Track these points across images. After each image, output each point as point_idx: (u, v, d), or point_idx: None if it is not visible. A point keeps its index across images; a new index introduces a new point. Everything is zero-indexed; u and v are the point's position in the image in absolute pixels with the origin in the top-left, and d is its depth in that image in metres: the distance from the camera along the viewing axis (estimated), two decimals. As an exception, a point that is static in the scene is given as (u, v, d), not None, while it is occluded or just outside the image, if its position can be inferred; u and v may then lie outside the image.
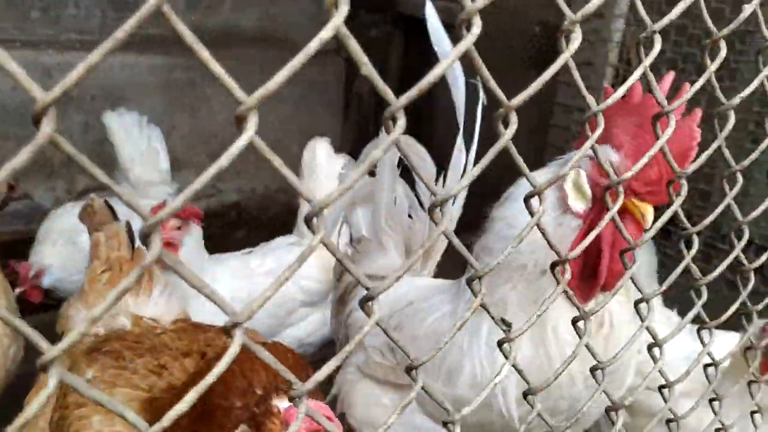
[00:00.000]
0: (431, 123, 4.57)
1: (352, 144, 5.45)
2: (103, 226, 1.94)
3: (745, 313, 1.45)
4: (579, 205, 1.49)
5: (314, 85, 5.08)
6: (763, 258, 1.39)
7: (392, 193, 2.24)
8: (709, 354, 1.34)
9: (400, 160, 2.23)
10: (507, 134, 0.78)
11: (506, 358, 0.97)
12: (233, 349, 0.64)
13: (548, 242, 0.96)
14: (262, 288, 2.28)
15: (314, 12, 5.12)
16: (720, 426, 1.52)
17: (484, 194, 1.72)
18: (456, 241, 0.84)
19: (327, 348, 3.10)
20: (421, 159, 2.20)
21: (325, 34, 0.57)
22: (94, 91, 4.50)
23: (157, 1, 0.48)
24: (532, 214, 0.90)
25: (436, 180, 2.15)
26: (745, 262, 1.38)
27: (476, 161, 1.97)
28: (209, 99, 4.79)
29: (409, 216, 2.25)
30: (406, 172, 2.22)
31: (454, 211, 2.11)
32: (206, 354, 1.64)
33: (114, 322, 1.82)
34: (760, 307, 1.45)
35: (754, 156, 1.20)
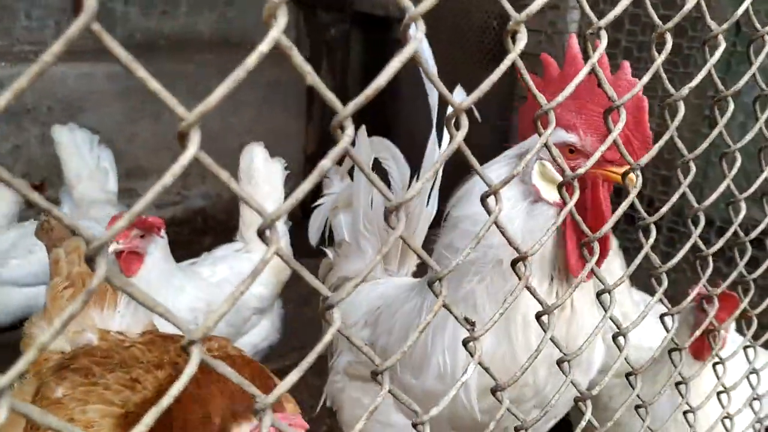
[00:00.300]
0: (396, 118, 4.58)
1: (317, 143, 5.43)
2: (62, 241, 1.90)
3: (706, 297, 1.48)
4: (554, 195, 1.47)
5: (275, 86, 5.04)
6: (720, 242, 1.41)
7: (369, 196, 2.25)
8: (672, 339, 1.36)
9: (376, 161, 2.25)
10: (459, 136, 0.78)
11: (471, 356, 0.97)
12: (190, 369, 0.63)
13: (507, 239, 0.96)
14: (219, 297, 2.26)
15: (272, 14, 5.08)
16: (688, 408, 1.54)
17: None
18: (414, 245, 0.84)
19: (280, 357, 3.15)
20: (395, 160, 2.23)
21: (264, 47, 0.56)
22: (51, 103, 4.43)
23: (85, 21, 0.47)
24: (489, 212, 0.90)
25: (411, 177, 2.18)
26: (703, 247, 1.40)
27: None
28: (169, 104, 4.72)
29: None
30: (383, 173, 2.25)
31: (428, 210, 2.13)
32: (179, 364, 1.62)
33: (80, 338, 1.78)
34: (719, 291, 1.47)
35: (704, 145, 1.22)
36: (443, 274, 0.87)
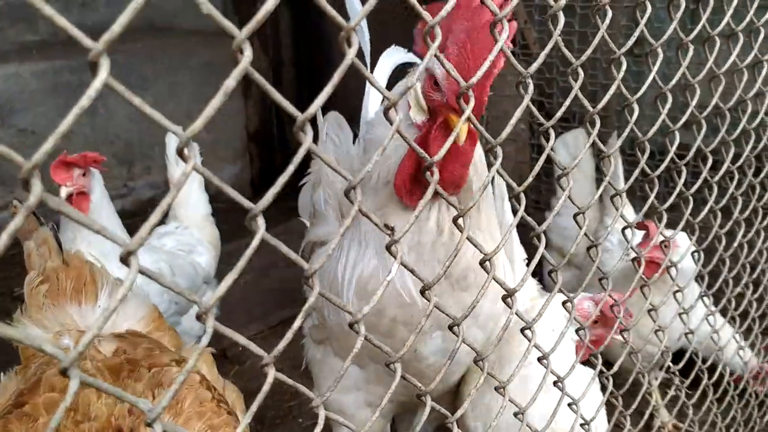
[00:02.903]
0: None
1: (257, 123, 5.42)
2: (32, 233, 1.84)
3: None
4: (419, 117, 1.54)
5: (211, 68, 5.00)
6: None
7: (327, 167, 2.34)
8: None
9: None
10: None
11: (395, 257, 1.00)
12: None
13: (413, 148, 1.00)
14: (176, 261, 2.21)
15: (196, -5, 5.00)
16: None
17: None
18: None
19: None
20: (341, 128, 2.36)
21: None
22: (-20, 108, 4.35)
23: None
24: (391, 123, 0.94)
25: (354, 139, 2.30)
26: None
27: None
28: (105, 98, 4.64)
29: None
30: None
31: None
32: None
33: (59, 341, 1.64)
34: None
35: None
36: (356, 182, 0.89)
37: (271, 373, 0.84)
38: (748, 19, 1.78)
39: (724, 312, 2.41)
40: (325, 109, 2.42)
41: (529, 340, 1.30)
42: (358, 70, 0.86)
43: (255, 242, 0.77)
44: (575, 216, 1.35)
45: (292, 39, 5.37)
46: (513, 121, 1.07)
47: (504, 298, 1.23)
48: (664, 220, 1.66)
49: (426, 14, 0.93)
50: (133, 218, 4.98)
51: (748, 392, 2.70)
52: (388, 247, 0.98)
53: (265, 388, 0.83)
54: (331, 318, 1.89)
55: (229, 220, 3.56)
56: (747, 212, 2.12)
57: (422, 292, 1.08)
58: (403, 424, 2.32)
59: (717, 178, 1.88)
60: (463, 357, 1.86)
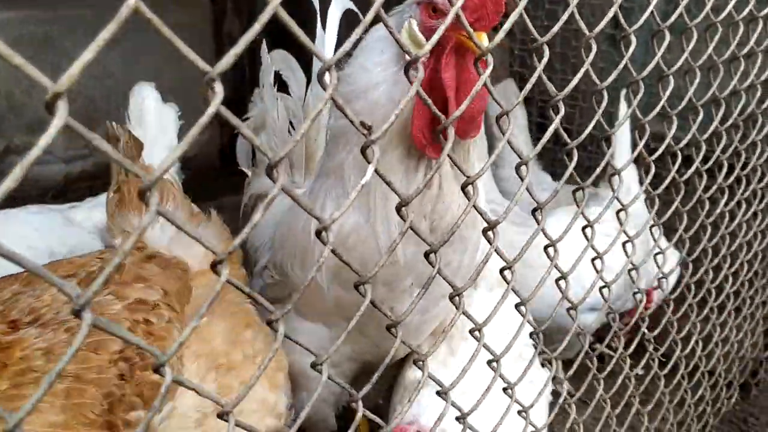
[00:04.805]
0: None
1: (230, 88, 5.25)
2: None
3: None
4: (420, 52, 1.40)
5: (182, 30, 4.69)
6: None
7: (275, 110, 2.26)
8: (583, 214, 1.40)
9: (277, 75, 2.27)
10: None
11: (369, 162, 0.91)
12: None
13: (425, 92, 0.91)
14: (86, 245, 2.03)
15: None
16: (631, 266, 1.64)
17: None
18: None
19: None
20: (292, 71, 2.26)
21: None
22: (-63, 55, 4.15)
23: None
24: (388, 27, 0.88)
25: (307, 86, 2.21)
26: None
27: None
28: (69, 53, 4.49)
29: (290, 131, 2.29)
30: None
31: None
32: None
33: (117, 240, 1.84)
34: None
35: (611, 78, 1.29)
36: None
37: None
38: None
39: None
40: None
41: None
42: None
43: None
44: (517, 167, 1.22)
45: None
46: (507, 26, 0.98)
47: (485, 232, 1.14)
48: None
49: None
50: (94, 181, 4.84)
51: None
52: (363, 150, 0.88)
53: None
54: (295, 271, 1.78)
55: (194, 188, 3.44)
56: (747, 193, 2.11)
57: (398, 210, 0.98)
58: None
59: (725, 157, 1.88)
60: (441, 310, 1.82)
